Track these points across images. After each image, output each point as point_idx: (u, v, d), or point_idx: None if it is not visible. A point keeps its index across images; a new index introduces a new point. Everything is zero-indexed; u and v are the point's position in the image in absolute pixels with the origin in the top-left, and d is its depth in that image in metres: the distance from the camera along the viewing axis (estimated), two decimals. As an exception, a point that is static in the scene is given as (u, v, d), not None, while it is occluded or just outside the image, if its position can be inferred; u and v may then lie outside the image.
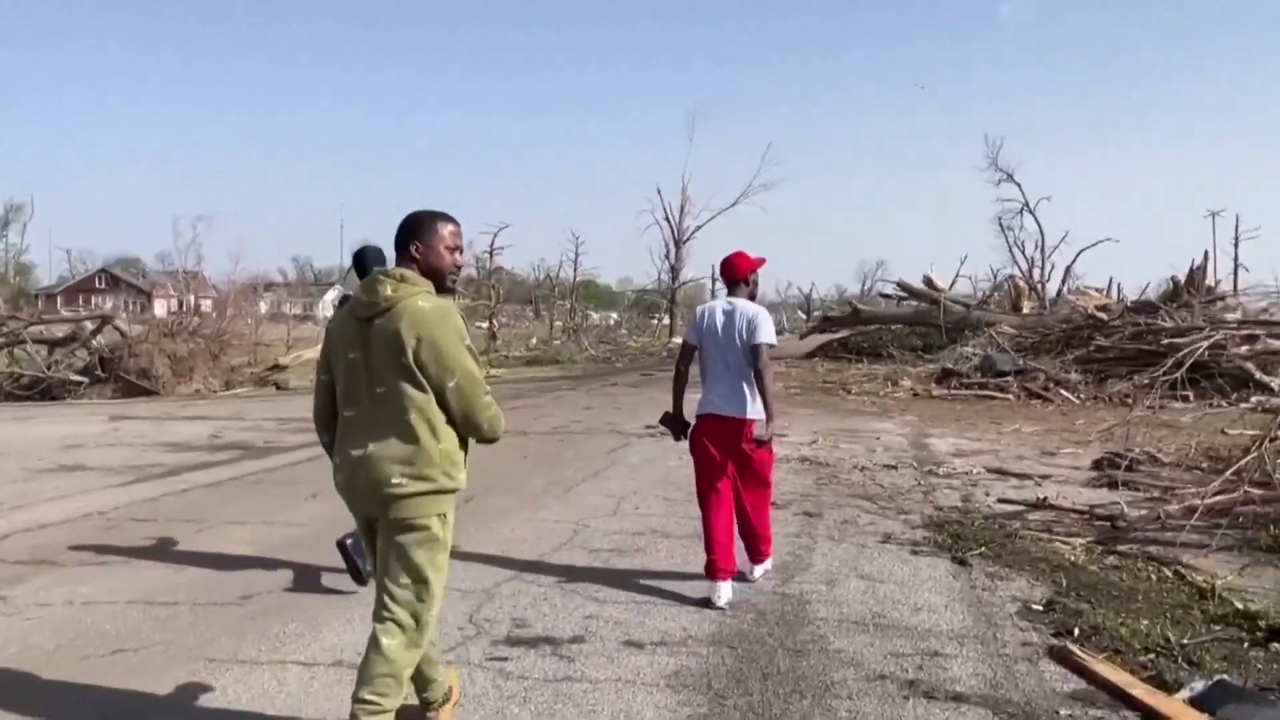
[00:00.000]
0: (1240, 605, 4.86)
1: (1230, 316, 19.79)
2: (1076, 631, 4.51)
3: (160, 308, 57.45)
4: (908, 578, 5.53)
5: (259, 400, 18.44)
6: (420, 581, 2.93)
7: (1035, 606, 4.96)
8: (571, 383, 23.04)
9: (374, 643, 2.91)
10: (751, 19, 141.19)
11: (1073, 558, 5.97)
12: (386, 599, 2.94)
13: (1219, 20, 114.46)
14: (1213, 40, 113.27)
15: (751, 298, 5.27)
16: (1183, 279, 22.95)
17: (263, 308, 55.50)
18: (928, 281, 30.69)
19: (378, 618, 2.95)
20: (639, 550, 6.09)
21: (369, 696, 2.86)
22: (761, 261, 5.31)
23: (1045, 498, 6.87)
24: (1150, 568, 5.75)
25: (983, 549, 6.13)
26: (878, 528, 6.86)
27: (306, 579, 5.43)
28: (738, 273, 5.26)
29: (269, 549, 6.13)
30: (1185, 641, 4.33)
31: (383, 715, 2.87)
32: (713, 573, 5.00)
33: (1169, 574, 5.59)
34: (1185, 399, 14.60)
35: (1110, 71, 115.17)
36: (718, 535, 5.05)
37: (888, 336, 30.29)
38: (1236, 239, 49.54)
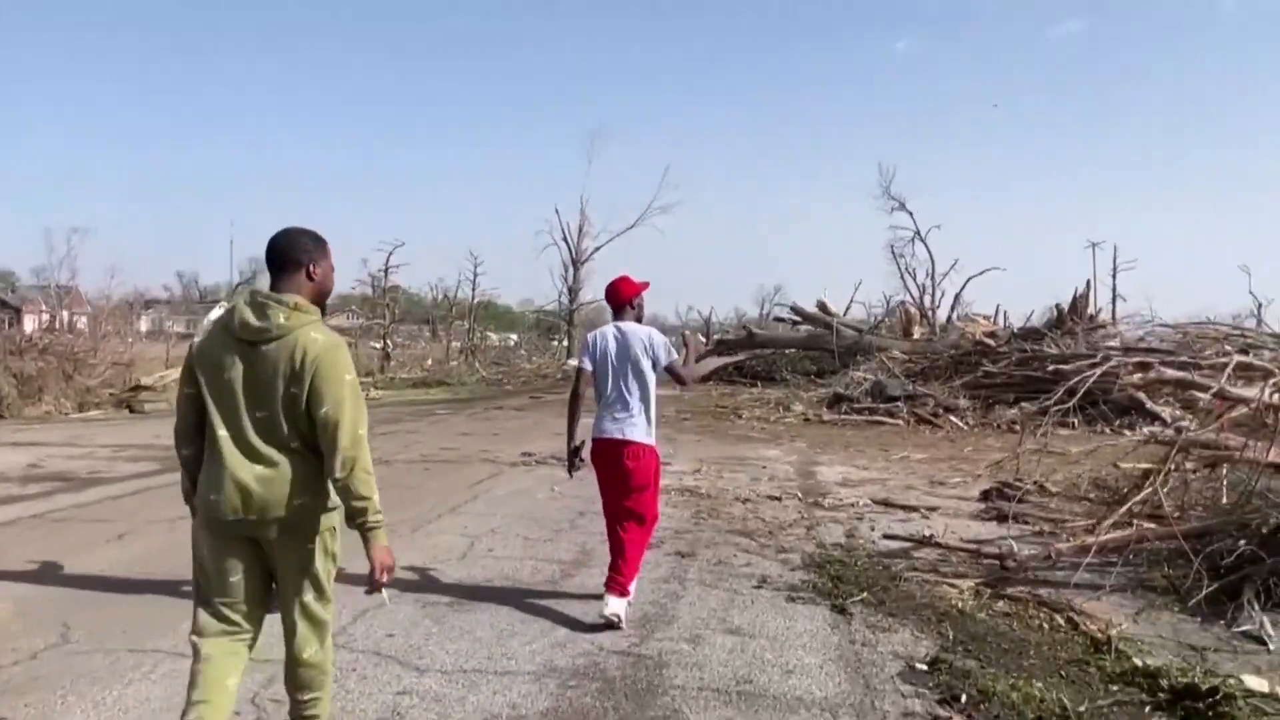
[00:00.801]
0: (1139, 661, 4.40)
1: (1111, 344, 20.16)
2: (964, 698, 3.97)
3: (30, 324, 54.02)
4: (781, 631, 4.92)
5: (107, 424, 17.00)
6: (319, 588, 3.00)
7: (919, 666, 4.40)
8: (455, 406, 22.06)
9: (294, 657, 3.03)
10: (651, 44, 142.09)
11: (960, 603, 5.46)
12: (295, 613, 3.00)
13: (1099, 60, 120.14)
14: (1092, 80, 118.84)
15: (638, 320, 5.35)
16: (1066, 307, 23.42)
17: (143, 325, 52.67)
18: (821, 306, 30.79)
19: (290, 631, 3.02)
20: (482, 603, 5.33)
21: (306, 697, 3.07)
22: (645, 285, 5.38)
23: (932, 535, 6.41)
24: (1042, 614, 5.27)
25: (865, 594, 5.57)
26: (754, 569, 6.26)
27: (69, 645, 4.51)
28: (622, 296, 5.32)
29: (38, 606, 5.16)
30: (1082, 708, 3.82)
31: (324, 706, 3.12)
32: None
33: (1062, 622, 5.12)
34: (1071, 425, 14.59)
35: (998, 104, 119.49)
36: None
37: (782, 361, 30.23)
38: (1115, 269, 51.46)
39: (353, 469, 2.82)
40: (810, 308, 31.34)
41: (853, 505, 8.79)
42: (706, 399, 23.45)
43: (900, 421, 17.42)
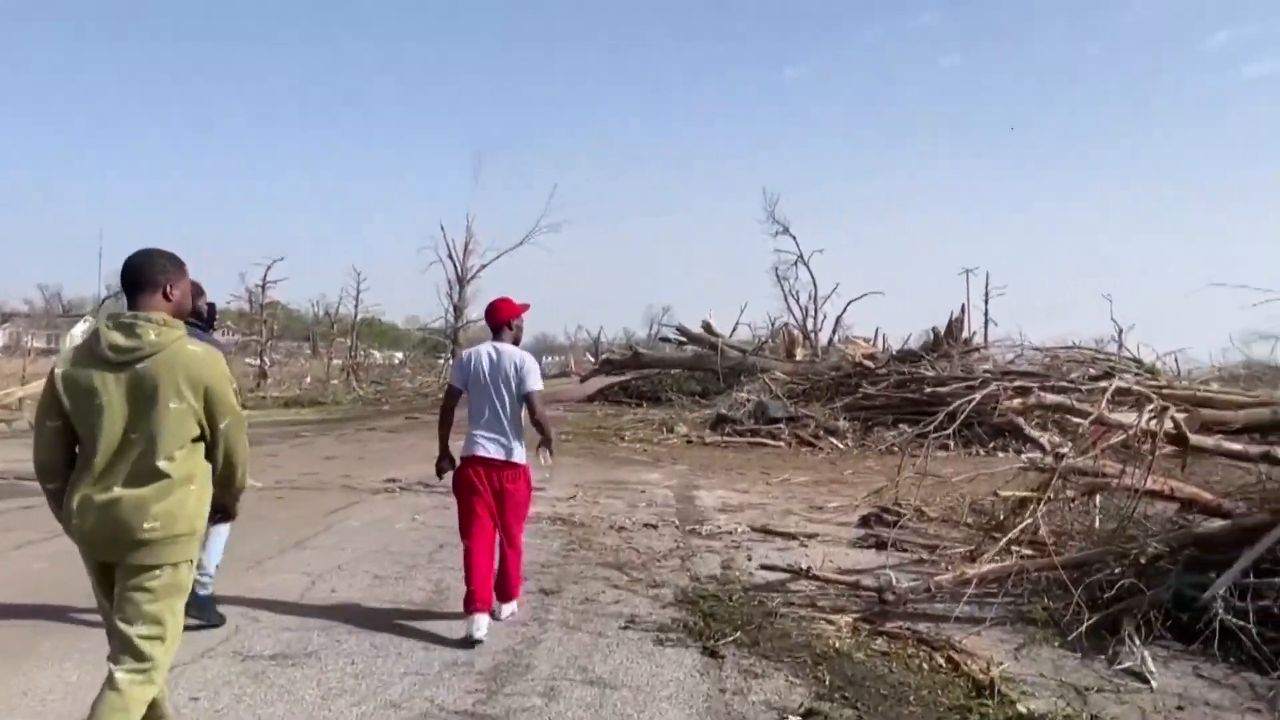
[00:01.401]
0: (1023, 708, 4.12)
1: (985, 367, 20.64)
2: (840, 756, 3.59)
3: None
4: (646, 680, 4.48)
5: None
6: (159, 623, 2.92)
7: (793, 718, 4.02)
8: (324, 427, 21.00)
9: (110, 682, 2.87)
10: (541, 66, 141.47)
11: (837, 642, 5.13)
12: (124, 642, 2.89)
13: (979, 91, 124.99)
14: (969, 111, 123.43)
15: (515, 342, 5.43)
16: (942, 330, 23.92)
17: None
18: (706, 327, 30.77)
19: (114, 659, 2.91)
20: (311, 655, 4.73)
21: None
22: (525, 308, 5.49)
23: (809, 567, 6.09)
24: (922, 653, 4.98)
25: (738, 634, 5.19)
26: (623, 607, 5.82)
27: None
28: (501, 317, 5.40)
29: None
30: (966, 765, 3.49)
31: None
32: (471, 605, 5.03)
33: (942, 661, 4.83)
34: (948, 447, 14.69)
35: (880, 133, 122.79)
36: (478, 569, 5.10)
37: (668, 381, 30.11)
38: (987, 295, 53.29)
39: (241, 476, 3.15)
40: (696, 329, 31.29)
41: (730, 533, 8.45)
42: (590, 420, 23.02)
43: (782, 443, 17.32)
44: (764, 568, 6.86)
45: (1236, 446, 6.11)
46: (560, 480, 11.64)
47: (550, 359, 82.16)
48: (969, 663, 4.72)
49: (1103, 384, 7.61)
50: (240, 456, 3.10)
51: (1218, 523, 5.48)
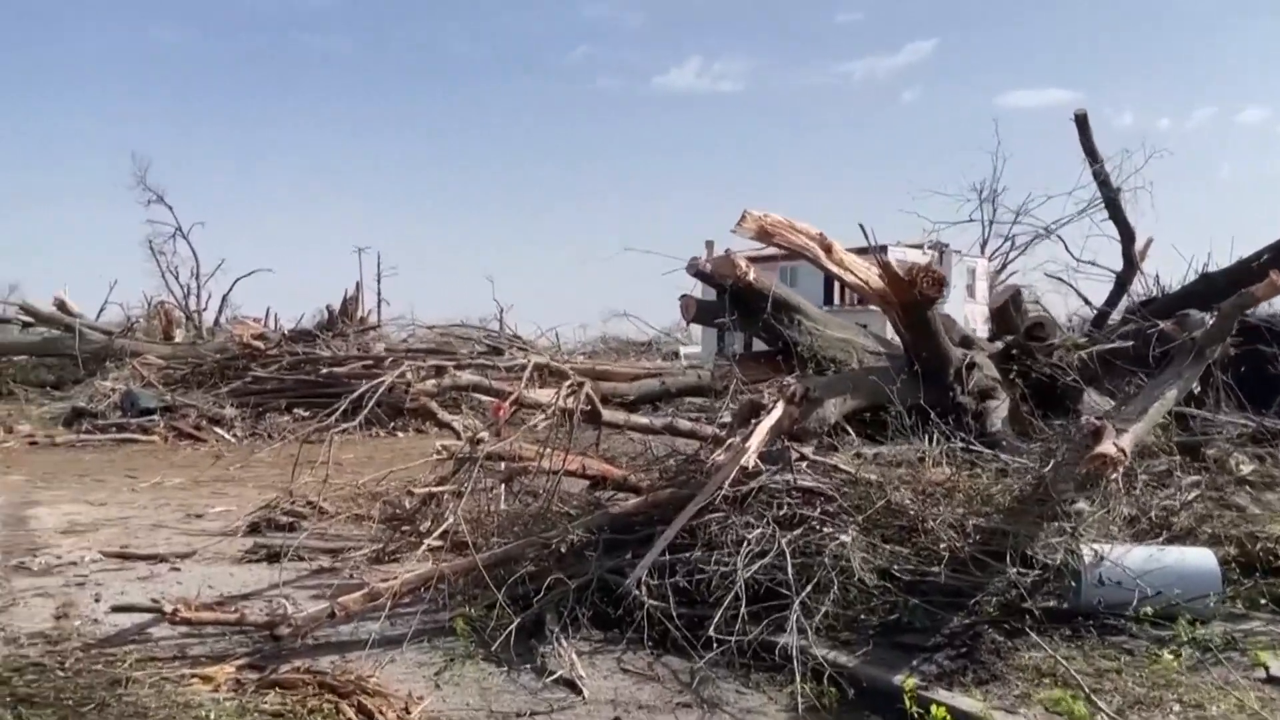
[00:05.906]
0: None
1: (379, 345, 20.23)
2: None
3: None
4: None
5: None
6: None
7: None
8: None
9: None
10: None
11: (214, 711, 3.88)
12: None
13: (368, 79, 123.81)
14: (361, 97, 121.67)
15: None
16: (337, 309, 23.03)
17: None
18: (60, 305, 25.99)
19: None
20: None
21: None
22: None
23: (176, 609, 4.69)
24: (326, 704, 3.95)
25: (67, 718, 3.69)
26: None
27: None
28: None
29: None
30: None
31: None
32: None
33: (351, 713, 3.86)
34: (346, 431, 13.79)
35: (266, 107, 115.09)
36: None
37: (10, 371, 24.87)
38: (379, 275, 53.27)
39: None
40: (49, 308, 26.24)
41: (75, 564, 6.57)
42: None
43: (156, 438, 15.01)
44: (116, 609, 5.28)
45: (644, 420, 6.13)
46: None
47: None
48: (384, 710, 3.81)
49: (520, 361, 7.30)
50: None
51: (631, 500, 5.30)
